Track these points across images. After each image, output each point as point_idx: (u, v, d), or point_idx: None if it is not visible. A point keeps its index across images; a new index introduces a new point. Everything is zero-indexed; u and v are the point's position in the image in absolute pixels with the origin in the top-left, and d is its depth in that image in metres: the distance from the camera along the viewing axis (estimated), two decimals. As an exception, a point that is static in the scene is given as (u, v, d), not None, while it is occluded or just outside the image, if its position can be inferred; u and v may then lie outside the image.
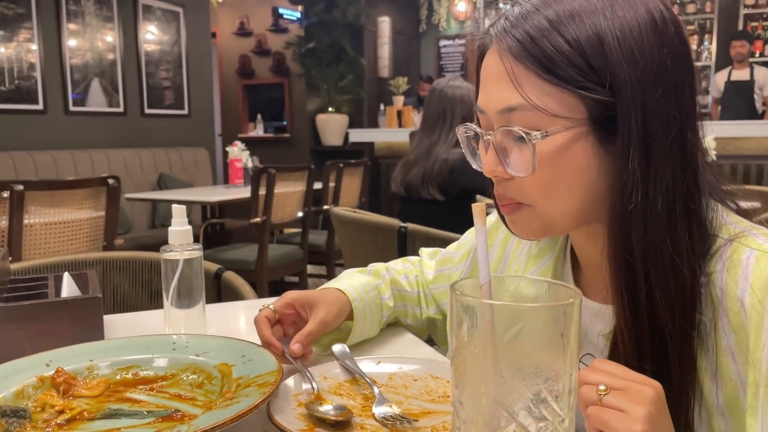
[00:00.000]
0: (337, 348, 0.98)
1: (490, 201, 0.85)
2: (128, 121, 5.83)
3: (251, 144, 6.09)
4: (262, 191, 3.89)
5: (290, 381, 0.86)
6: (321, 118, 8.23)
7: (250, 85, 9.27)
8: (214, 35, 8.35)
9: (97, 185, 3.09)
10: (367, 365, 0.93)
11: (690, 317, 0.70)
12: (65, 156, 5.03)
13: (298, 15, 8.74)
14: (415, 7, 9.72)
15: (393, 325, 1.17)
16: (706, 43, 8.27)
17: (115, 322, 1.19)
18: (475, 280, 0.58)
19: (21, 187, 2.77)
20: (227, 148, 4.94)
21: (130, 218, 5.33)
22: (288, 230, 5.04)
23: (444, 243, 2.02)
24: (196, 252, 1.04)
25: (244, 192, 4.36)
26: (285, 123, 8.99)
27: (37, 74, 5.02)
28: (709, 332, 0.70)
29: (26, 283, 1.14)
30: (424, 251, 1.23)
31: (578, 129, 0.70)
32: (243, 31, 9.14)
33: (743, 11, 8.07)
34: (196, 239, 1.06)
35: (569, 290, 0.56)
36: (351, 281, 1.08)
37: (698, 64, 8.27)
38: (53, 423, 0.75)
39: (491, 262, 1.01)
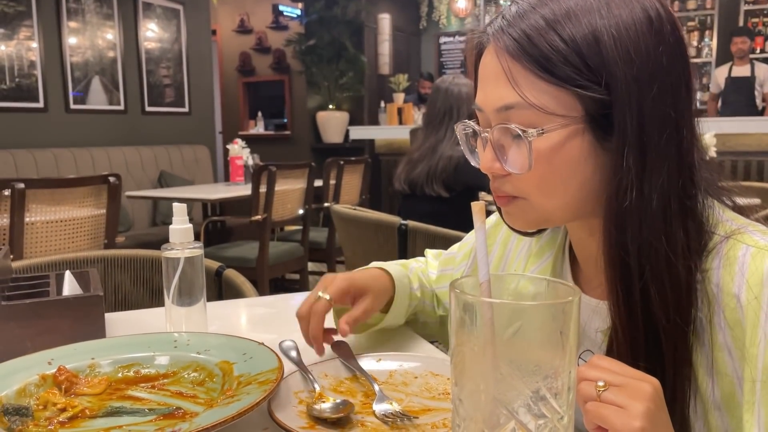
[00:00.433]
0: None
1: (492, 198, 0.85)
2: (129, 118, 5.83)
3: (252, 141, 6.08)
4: (263, 189, 3.89)
5: (291, 379, 0.86)
6: (321, 116, 8.23)
7: (251, 83, 9.26)
8: (214, 32, 8.34)
9: (98, 183, 3.10)
10: (367, 362, 0.93)
11: (685, 314, 0.70)
12: (66, 154, 5.04)
13: (299, 12, 8.73)
14: (416, 4, 9.71)
15: (393, 323, 1.17)
16: (706, 40, 8.26)
17: (116, 320, 1.19)
18: (475, 278, 0.59)
19: (22, 185, 2.77)
20: (228, 146, 4.94)
21: (131, 216, 5.33)
22: (289, 228, 5.05)
23: (444, 240, 2.03)
24: (197, 250, 1.04)
25: (244, 189, 4.36)
26: (285, 120, 8.99)
27: (38, 72, 5.02)
28: (705, 328, 0.71)
29: (28, 281, 1.14)
30: (429, 252, 1.23)
31: (574, 127, 0.71)
32: (243, 29, 9.13)
33: (744, 7, 8.05)
34: (197, 237, 1.06)
35: (568, 288, 0.57)
36: (393, 267, 1.09)
37: (698, 60, 8.26)
38: (55, 421, 0.76)
39: (492, 260, 1.01)
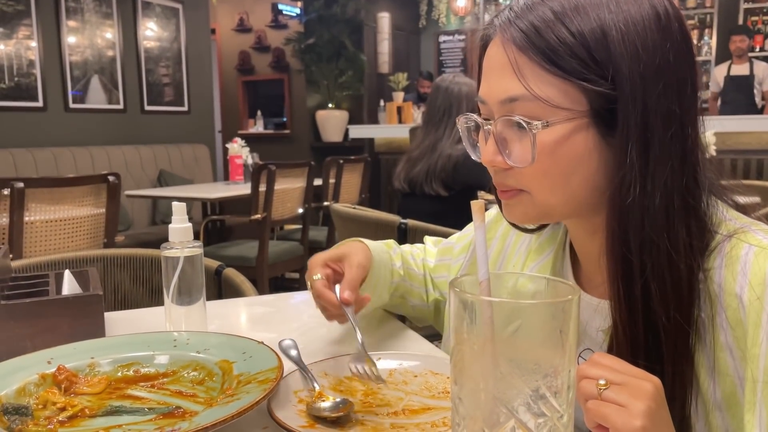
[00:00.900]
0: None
1: (492, 197, 0.85)
2: (128, 117, 5.83)
3: (251, 140, 6.08)
4: (263, 188, 3.89)
5: (291, 378, 0.86)
6: (321, 115, 8.23)
7: (250, 82, 9.26)
8: (213, 31, 8.33)
9: (97, 182, 3.10)
10: (367, 361, 0.93)
11: (686, 313, 0.70)
12: (65, 153, 5.03)
13: (298, 11, 8.72)
14: (415, 2, 9.71)
15: (392, 322, 1.17)
16: (705, 38, 8.26)
17: (116, 320, 1.19)
18: (475, 277, 0.59)
19: (21, 185, 2.77)
20: (227, 145, 4.94)
21: (130, 215, 5.33)
22: (288, 227, 5.05)
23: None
24: (196, 249, 1.04)
25: (244, 189, 4.35)
26: (285, 119, 8.98)
27: (37, 71, 5.01)
28: (706, 328, 0.71)
29: (27, 280, 1.14)
30: (429, 240, 1.23)
31: (579, 121, 0.70)
32: (242, 28, 9.12)
33: (743, 6, 8.05)
34: (196, 236, 1.06)
35: (568, 287, 0.57)
36: (373, 243, 1.10)
37: (698, 58, 8.25)
38: (55, 420, 0.76)
39: (491, 254, 1.01)
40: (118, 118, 5.74)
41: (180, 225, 1.04)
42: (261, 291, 3.60)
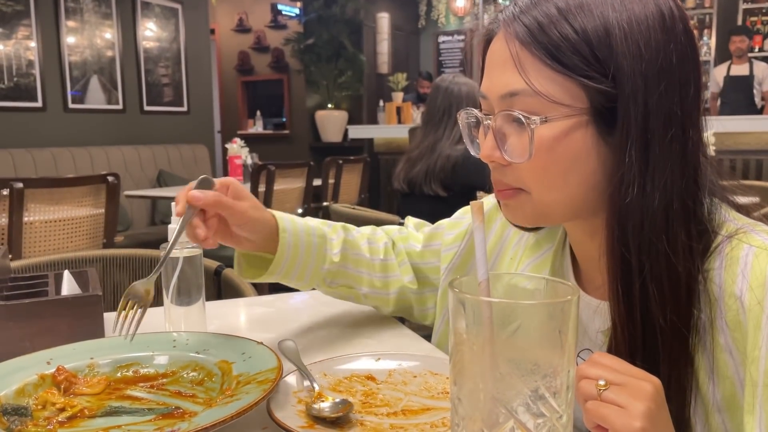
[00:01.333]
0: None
1: (491, 197, 0.85)
2: (127, 118, 5.83)
3: (250, 141, 6.08)
4: (262, 188, 3.89)
5: (290, 378, 0.86)
6: (320, 115, 8.23)
7: (249, 82, 9.26)
8: (212, 32, 8.33)
9: (96, 182, 3.10)
10: (366, 362, 0.93)
11: (684, 315, 0.70)
12: (64, 153, 5.03)
13: (297, 11, 8.73)
14: (414, 2, 9.71)
15: (392, 322, 1.17)
16: (705, 38, 8.25)
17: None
18: (473, 277, 0.58)
19: (20, 185, 2.77)
20: (226, 145, 4.93)
21: (129, 215, 5.33)
22: (288, 227, 5.03)
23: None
24: (195, 249, 1.04)
25: (243, 189, 4.35)
26: (284, 119, 8.98)
27: (36, 71, 5.01)
28: (706, 330, 0.70)
29: (26, 281, 1.14)
30: (411, 221, 1.19)
31: (578, 118, 0.70)
32: (242, 28, 9.12)
33: (742, 6, 8.05)
34: (195, 237, 1.06)
35: (567, 287, 0.57)
36: (297, 218, 1.04)
37: (698, 59, 8.24)
38: (54, 421, 0.76)
39: (487, 246, 1.00)
40: (118, 119, 5.74)
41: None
42: (260, 291, 3.59)
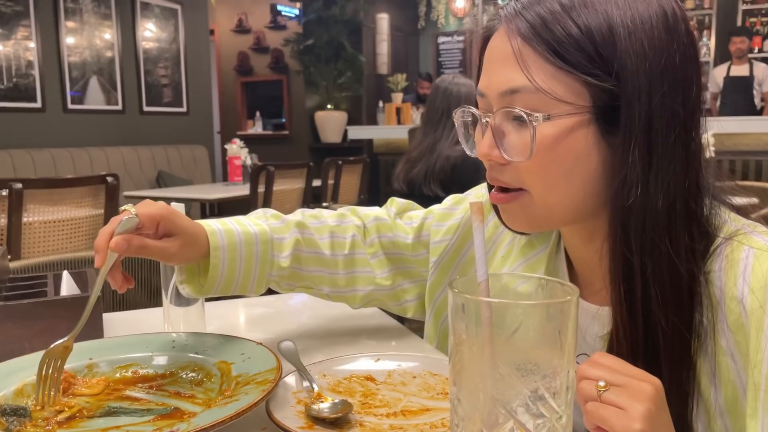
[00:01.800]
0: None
1: (484, 190, 0.83)
2: (127, 118, 5.83)
3: (250, 141, 6.09)
4: (261, 189, 3.89)
5: (289, 379, 0.86)
6: (320, 115, 8.23)
7: (249, 83, 9.26)
8: (212, 32, 8.33)
9: (95, 183, 3.10)
10: (365, 362, 0.93)
11: (686, 318, 0.69)
12: (64, 154, 5.03)
13: (297, 12, 8.73)
14: (414, 3, 9.71)
15: (392, 322, 1.17)
16: (704, 39, 8.26)
17: (114, 321, 1.19)
18: (473, 277, 0.58)
19: (20, 186, 2.77)
20: (226, 146, 4.94)
21: (129, 216, 5.32)
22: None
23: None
24: (195, 250, 1.04)
25: (243, 189, 4.36)
26: (284, 120, 8.99)
27: (35, 72, 5.01)
28: (708, 333, 0.70)
29: (26, 281, 1.14)
30: (395, 203, 1.17)
31: (581, 116, 0.70)
32: (241, 28, 9.12)
33: (742, 7, 8.06)
34: (195, 237, 1.05)
35: (566, 287, 0.57)
36: (238, 227, 0.96)
37: (697, 59, 8.25)
38: (53, 421, 0.75)
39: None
40: (117, 119, 5.74)
41: (178, 226, 1.04)
42: (260, 292, 3.58)
